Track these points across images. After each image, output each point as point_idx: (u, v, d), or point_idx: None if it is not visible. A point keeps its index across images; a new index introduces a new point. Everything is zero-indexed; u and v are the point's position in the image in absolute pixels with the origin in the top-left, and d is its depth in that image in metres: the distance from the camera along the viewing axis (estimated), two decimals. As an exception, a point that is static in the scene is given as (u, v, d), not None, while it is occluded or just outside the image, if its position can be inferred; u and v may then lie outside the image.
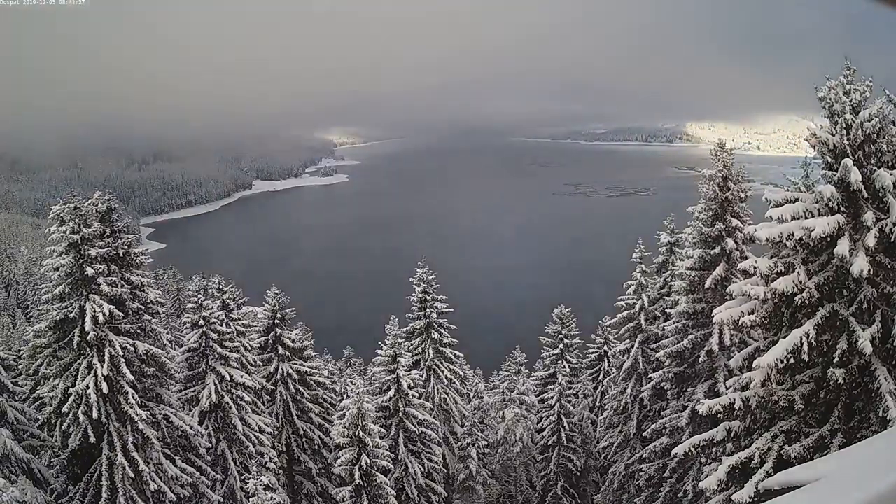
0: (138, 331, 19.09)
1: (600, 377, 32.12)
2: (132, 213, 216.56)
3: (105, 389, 17.31)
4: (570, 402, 30.86)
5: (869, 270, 8.90)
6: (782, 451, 9.92)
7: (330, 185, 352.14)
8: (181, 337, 27.72)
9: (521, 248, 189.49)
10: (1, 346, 28.72)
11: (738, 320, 10.59)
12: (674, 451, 13.10)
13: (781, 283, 9.55)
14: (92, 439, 17.62)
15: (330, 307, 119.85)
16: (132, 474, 17.93)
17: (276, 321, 26.80)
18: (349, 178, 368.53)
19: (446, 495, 28.50)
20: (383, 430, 22.89)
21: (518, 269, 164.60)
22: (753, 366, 9.98)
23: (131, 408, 17.83)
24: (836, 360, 9.20)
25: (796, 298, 9.49)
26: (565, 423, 30.05)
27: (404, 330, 28.68)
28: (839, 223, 9.15)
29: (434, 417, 27.51)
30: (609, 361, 31.05)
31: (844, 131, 9.39)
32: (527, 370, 35.97)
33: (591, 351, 33.40)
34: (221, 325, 23.09)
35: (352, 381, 29.39)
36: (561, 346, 33.22)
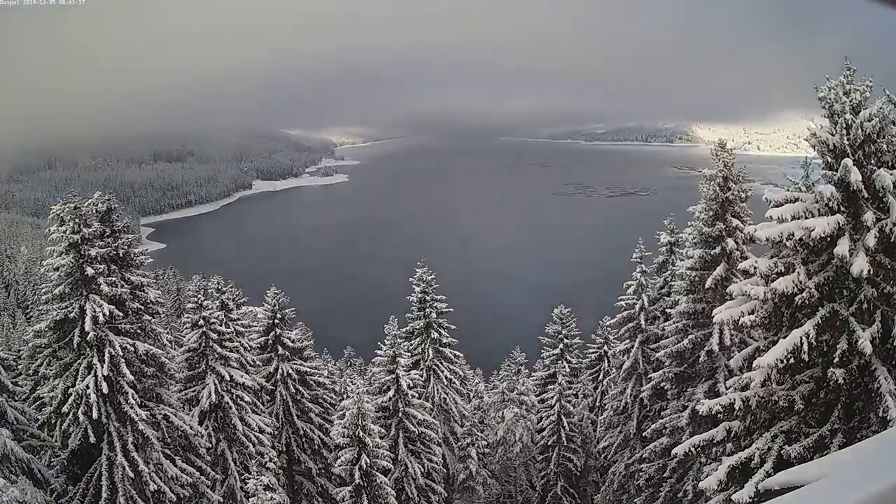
0: (138, 331, 19.09)
1: (600, 377, 32.12)
2: (132, 213, 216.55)
3: (105, 389, 17.32)
4: (570, 402, 30.86)
5: (869, 270, 8.90)
6: (782, 451, 9.92)
7: (330, 185, 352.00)
8: (181, 337, 27.71)
9: (521, 248, 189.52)
10: (1, 346, 28.75)
11: (738, 320, 10.59)
12: (674, 451, 13.10)
13: (781, 283, 9.55)
14: (92, 439, 17.63)
15: (330, 307, 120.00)
16: (132, 474, 17.94)
17: (276, 321, 26.81)
18: (349, 178, 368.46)
19: (446, 495, 28.50)
20: (383, 430, 22.89)
21: (518, 268, 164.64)
22: (753, 366, 9.98)
23: (131, 408, 17.83)
24: (836, 360, 9.20)
25: (796, 298, 9.49)
26: (565, 423, 30.05)
27: (404, 330, 28.69)
28: (839, 223, 9.15)
29: (434, 417, 27.53)
30: (609, 361, 31.05)
31: (844, 131, 9.39)
32: (527, 370, 35.96)
33: (591, 351, 33.41)
34: (221, 325, 23.08)
35: (352, 381, 29.44)
36: (561, 346, 33.22)
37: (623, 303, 25.46)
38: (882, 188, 9.11)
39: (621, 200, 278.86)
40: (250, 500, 17.10)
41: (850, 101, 9.45)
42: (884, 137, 9.39)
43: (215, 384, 22.23)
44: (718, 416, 10.95)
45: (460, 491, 29.24)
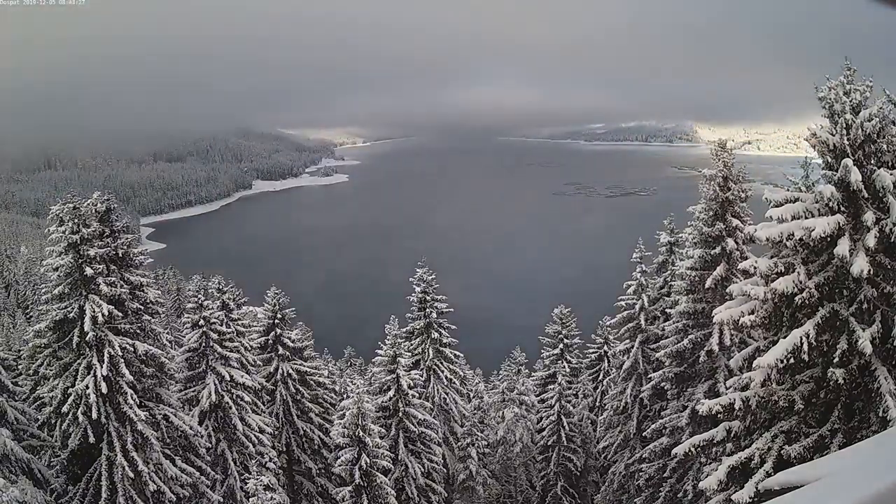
0: (138, 331, 19.08)
1: (600, 377, 32.14)
2: (132, 213, 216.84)
3: (104, 389, 17.32)
4: (569, 402, 30.87)
5: (869, 270, 8.89)
6: (782, 451, 9.91)
7: (330, 185, 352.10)
8: (181, 337, 27.71)
9: (521, 248, 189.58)
10: (1, 346, 28.72)
11: (738, 320, 10.58)
12: (674, 451, 13.10)
13: (781, 283, 9.54)
14: (91, 439, 17.63)
15: (330, 307, 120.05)
16: (132, 474, 17.93)
17: (276, 321, 26.81)
18: (349, 178, 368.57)
19: (446, 495, 28.50)
20: (383, 430, 22.90)
21: (518, 268, 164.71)
22: (753, 366, 9.97)
23: (130, 408, 17.83)
24: (836, 360, 9.19)
25: (796, 298, 9.49)
26: (565, 423, 30.05)
27: (404, 330, 28.68)
28: (839, 223, 9.14)
29: (434, 417, 27.52)
30: (609, 361, 31.06)
31: (844, 131, 9.39)
32: (527, 370, 35.98)
33: (591, 351, 33.43)
34: (221, 325, 23.08)
35: (352, 381, 29.38)
36: (561, 346, 33.23)
37: (623, 303, 25.46)
38: (882, 188, 9.10)
39: (621, 200, 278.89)
40: (250, 500, 17.11)
41: (851, 101, 9.44)
42: (884, 137, 9.39)
43: (215, 384, 22.23)
44: (718, 416, 10.94)
45: (460, 491, 29.24)
